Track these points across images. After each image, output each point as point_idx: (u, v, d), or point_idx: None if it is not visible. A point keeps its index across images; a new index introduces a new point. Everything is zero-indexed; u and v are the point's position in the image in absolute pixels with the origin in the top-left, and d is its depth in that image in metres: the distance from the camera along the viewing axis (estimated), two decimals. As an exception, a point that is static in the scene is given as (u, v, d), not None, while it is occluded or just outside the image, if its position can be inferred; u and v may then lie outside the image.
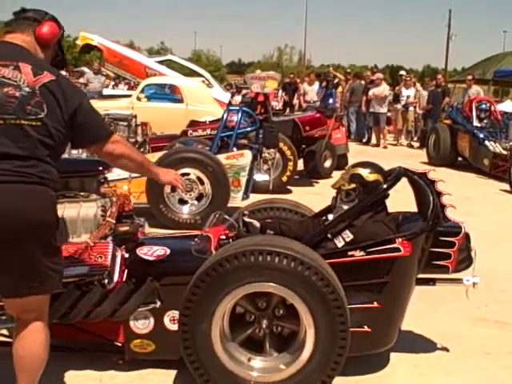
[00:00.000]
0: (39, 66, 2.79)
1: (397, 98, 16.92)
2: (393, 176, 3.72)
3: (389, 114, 16.83)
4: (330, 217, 3.92)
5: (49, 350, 2.87)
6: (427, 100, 15.91)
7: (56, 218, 2.81)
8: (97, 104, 11.62)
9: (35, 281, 2.70)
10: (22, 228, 2.60)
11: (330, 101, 12.81)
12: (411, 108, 16.78)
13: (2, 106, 2.64)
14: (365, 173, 3.80)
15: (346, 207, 3.79)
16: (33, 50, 2.87)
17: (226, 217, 4.07)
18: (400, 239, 3.45)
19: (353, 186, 3.79)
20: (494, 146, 11.60)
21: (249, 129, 7.99)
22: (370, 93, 15.69)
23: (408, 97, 16.64)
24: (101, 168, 3.98)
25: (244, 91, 13.04)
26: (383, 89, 15.76)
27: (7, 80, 2.68)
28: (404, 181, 3.80)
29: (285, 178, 9.35)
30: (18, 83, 2.68)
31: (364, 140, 16.67)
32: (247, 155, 7.29)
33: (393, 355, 3.86)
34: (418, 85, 17.94)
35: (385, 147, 15.85)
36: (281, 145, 8.71)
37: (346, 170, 3.97)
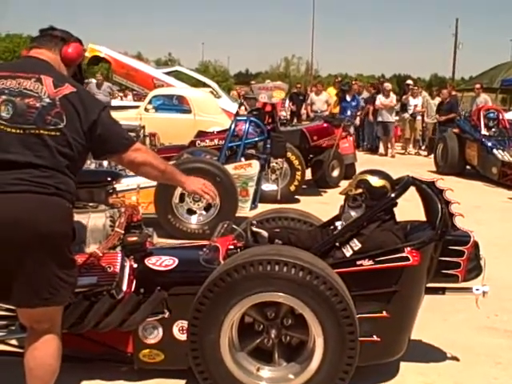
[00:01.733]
0: (60, 78, 2.85)
1: (404, 107, 16.91)
2: (401, 185, 3.72)
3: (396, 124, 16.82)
4: (339, 223, 3.93)
5: (60, 361, 2.88)
6: (442, 110, 15.65)
7: (72, 229, 2.83)
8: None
9: (47, 292, 2.71)
10: (35, 239, 2.62)
11: (348, 113, 12.88)
12: (419, 117, 16.76)
13: (23, 116, 2.69)
14: (372, 179, 3.80)
15: (353, 213, 3.78)
16: (57, 66, 2.94)
17: (234, 226, 4.07)
18: (409, 248, 3.44)
19: (359, 191, 3.79)
20: (502, 155, 11.57)
21: (257, 139, 8.00)
22: (378, 102, 15.72)
23: (415, 106, 16.62)
24: (109, 179, 4.00)
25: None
26: (391, 98, 15.77)
27: (29, 91, 2.74)
28: (412, 190, 3.79)
29: (293, 188, 9.36)
30: (39, 94, 2.74)
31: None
32: (255, 165, 7.30)
33: (402, 364, 3.84)
34: (424, 93, 17.91)
35: (392, 156, 15.85)
36: (288, 154, 8.73)
37: (354, 177, 3.98)
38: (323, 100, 16.16)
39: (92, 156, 3.09)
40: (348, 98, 14.84)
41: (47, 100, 2.74)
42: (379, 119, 15.83)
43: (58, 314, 2.87)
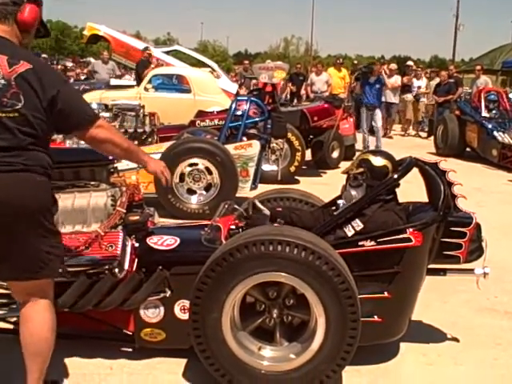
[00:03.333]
0: (16, 55, 2.75)
1: (404, 88, 16.80)
2: (404, 165, 3.70)
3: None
4: (340, 202, 3.92)
5: (55, 334, 2.91)
6: (439, 91, 15.55)
7: (49, 201, 2.84)
8: (104, 94, 11.67)
9: (36, 266, 2.76)
10: (12, 215, 2.66)
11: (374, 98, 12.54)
12: (422, 98, 16.67)
13: None
14: (373, 158, 3.79)
15: (353, 192, 3.78)
16: (14, 38, 2.83)
17: (236, 206, 4.06)
18: (411, 229, 3.44)
19: (360, 170, 3.78)
20: (502, 137, 11.55)
21: (257, 119, 7.97)
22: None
23: (419, 87, 16.54)
24: (110, 158, 3.97)
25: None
26: (395, 79, 15.60)
27: None
28: (415, 171, 3.78)
29: (293, 169, 9.35)
30: None
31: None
32: (255, 145, 7.27)
33: (403, 345, 3.85)
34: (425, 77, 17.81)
35: (390, 137, 15.78)
36: (289, 135, 8.70)
37: (357, 157, 3.96)
38: (323, 80, 16.03)
39: (56, 131, 3.08)
40: (372, 80, 13.05)
41: (2, 81, 2.68)
42: (382, 99, 15.66)
43: (49, 285, 2.90)
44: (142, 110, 8.97)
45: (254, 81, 11.85)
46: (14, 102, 2.68)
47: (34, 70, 2.75)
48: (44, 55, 20.67)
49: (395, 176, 3.66)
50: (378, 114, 12.69)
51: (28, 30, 2.89)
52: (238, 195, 6.76)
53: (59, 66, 23.36)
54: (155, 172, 3.31)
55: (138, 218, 3.67)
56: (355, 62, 22.54)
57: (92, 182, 3.79)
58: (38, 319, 2.85)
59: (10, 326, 3.58)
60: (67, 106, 2.83)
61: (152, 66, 13.64)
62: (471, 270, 3.76)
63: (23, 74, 2.71)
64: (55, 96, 2.77)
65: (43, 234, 2.78)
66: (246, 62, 19.36)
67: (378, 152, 3.89)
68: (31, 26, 2.89)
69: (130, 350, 3.65)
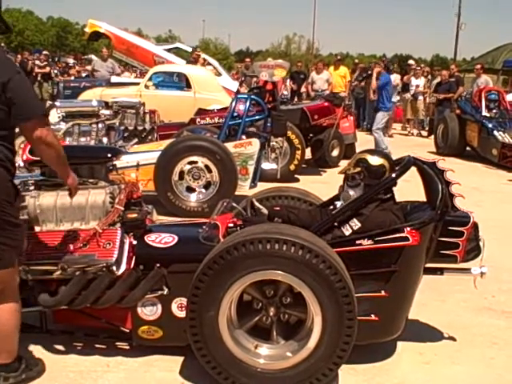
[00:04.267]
0: None
1: (405, 87, 16.80)
2: (402, 164, 3.70)
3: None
4: (338, 203, 3.93)
5: (19, 321, 3.07)
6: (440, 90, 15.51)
7: (5, 192, 2.89)
8: (104, 91, 11.68)
9: None
10: None
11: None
12: (420, 97, 16.66)
13: None
14: (371, 158, 3.79)
15: (351, 192, 3.78)
16: None
17: (234, 204, 4.06)
18: (408, 228, 3.44)
19: (358, 169, 3.78)
20: (502, 136, 11.54)
21: (257, 117, 7.97)
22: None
23: (417, 86, 16.52)
24: (109, 155, 3.98)
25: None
26: (394, 78, 15.60)
27: None
28: (413, 170, 3.79)
29: (292, 167, 9.35)
30: None
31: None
32: (255, 144, 7.27)
33: (399, 344, 3.86)
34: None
35: (390, 136, 15.77)
36: (289, 133, 8.70)
37: (354, 156, 3.97)
38: (324, 79, 16.01)
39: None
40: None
41: None
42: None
43: (8, 276, 2.98)
44: (142, 108, 8.99)
45: (254, 79, 11.85)
46: None
47: None
48: (45, 52, 20.62)
49: (393, 175, 3.66)
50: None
51: None
52: (237, 193, 6.77)
53: (60, 64, 23.44)
54: (71, 186, 3.30)
55: (136, 215, 3.67)
56: (356, 60, 22.51)
57: (91, 180, 3.80)
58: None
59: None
60: (16, 96, 2.86)
61: (198, 65, 14.00)
62: (468, 270, 3.77)
63: None
64: (5, 83, 2.82)
65: (1, 226, 2.86)
66: (248, 59, 19.37)
67: (374, 151, 3.89)
68: None
69: (127, 347, 3.66)
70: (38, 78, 17.16)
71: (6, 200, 2.89)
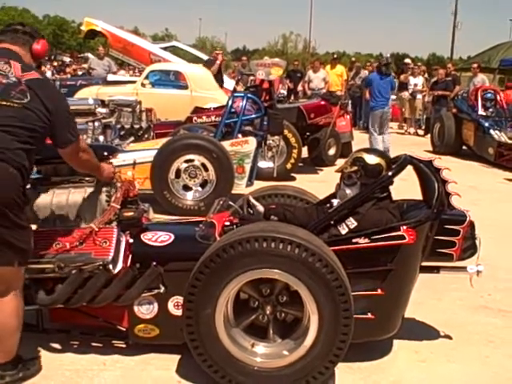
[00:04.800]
0: (28, 67, 3.17)
1: (402, 86, 16.81)
2: (398, 163, 3.70)
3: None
4: (335, 201, 3.93)
5: (22, 321, 3.08)
6: (435, 88, 15.50)
7: (16, 194, 2.95)
8: (101, 90, 11.66)
9: None
10: None
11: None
12: (419, 96, 16.67)
13: None
14: (367, 156, 3.79)
15: (348, 191, 3.78)
16: (26, 59, 3.23)
17: (231, 203, 4.06)
18: (405, 227, 3.44)
19: (354, 168, 3.79)
20: (498, 135, 11.57)
21: (254, 115, 7.97)
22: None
23: (415, 85, 16.54)
24: (106, 153, 3.97)
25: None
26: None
27: None
28: (409, 169, 3.79)
29: (289, 166, 9.35)
30: (6, 73, 3.06)
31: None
32: (252, 142, 7.27)
33: (395, 342, 3.87)
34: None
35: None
36: (285, 132, 8.71)
37: (350, 155, 3.97)
38: (321, 78, 16.00)
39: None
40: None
41: (13, 79, 3.05)
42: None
43: (12, 275, 3.01)
44: (138, 106, 8.97)
45: (251, 77, 11.85)
46: (21, 97, 3.01)
47: (43, 81, 3.17)
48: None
49: (389, 174, 3.66)
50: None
51: (37, 58, 3.35)
52: (233, 192, 6.76)
53: (56, 62, 23.35)
54: (109, 179, 3.72)
55: (132, 213, 3.67)
56: (353, 59, 22.50)
57: (87, 178, 3.79)
58: (2, 309, 3.01)
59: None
60: (58, 122, 3.15)
61: (217, 62, 14.24)
62: (464, 268, 3.76)
63: (33, 80, 3.09)
64: (54, 108, 3.09)
65: (9, 226, 2.91)
66: (244, 58, 19.35)
67: (371, 150, 3.90)
68: (41, 55, 3.37)
69: (124, 345, 3.66)
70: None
71: (15, 200, 2.94)
